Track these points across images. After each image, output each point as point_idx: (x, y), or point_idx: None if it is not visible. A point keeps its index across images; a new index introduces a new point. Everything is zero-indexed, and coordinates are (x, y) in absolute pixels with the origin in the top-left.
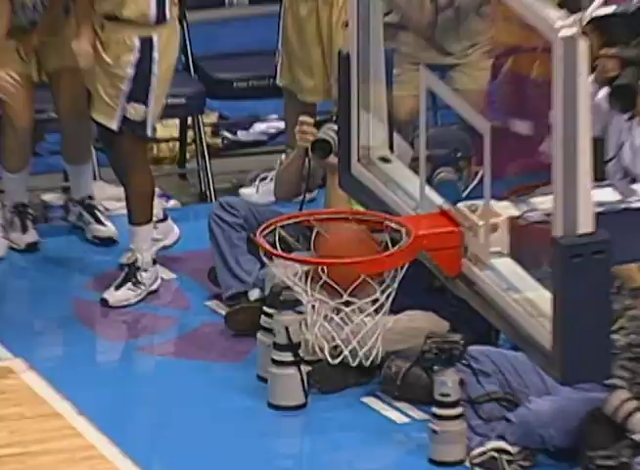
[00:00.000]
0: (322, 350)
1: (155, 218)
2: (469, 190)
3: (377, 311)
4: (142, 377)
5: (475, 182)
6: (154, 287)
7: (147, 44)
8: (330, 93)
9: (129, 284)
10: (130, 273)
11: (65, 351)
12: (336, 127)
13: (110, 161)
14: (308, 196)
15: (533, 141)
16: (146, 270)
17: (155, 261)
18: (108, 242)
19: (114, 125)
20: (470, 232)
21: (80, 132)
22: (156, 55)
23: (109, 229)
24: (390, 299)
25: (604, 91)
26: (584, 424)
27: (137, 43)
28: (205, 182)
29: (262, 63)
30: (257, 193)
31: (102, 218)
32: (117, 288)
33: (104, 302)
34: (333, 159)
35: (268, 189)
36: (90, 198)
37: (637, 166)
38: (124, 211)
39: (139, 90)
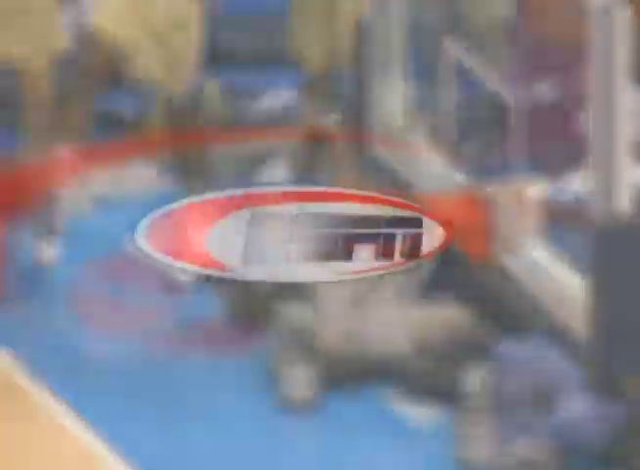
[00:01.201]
0: (338, 344)
1: None
2: (495, 167)
3: (401, 300)
4: (139, 371)
5: (500, 158)
6: None
7: None
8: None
9: None
10: None
11: (53, 342)
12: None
13: None
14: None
15: (568, 115)
16: None
17: None
18: None
19: None
20: (499, 214)
21: None
22: None
23: None
24: (416, 287)
25: None
26: (624, 425)
27: None
28: None
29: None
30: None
31: None
32: None
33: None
34: (331, 145)
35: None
36: None
37: None
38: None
39: None
